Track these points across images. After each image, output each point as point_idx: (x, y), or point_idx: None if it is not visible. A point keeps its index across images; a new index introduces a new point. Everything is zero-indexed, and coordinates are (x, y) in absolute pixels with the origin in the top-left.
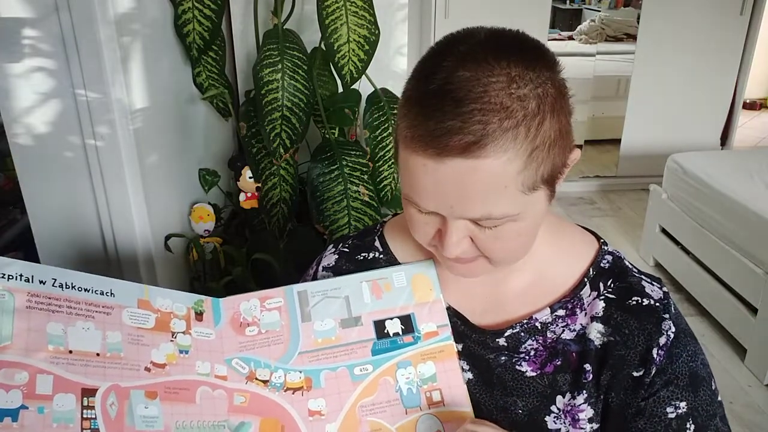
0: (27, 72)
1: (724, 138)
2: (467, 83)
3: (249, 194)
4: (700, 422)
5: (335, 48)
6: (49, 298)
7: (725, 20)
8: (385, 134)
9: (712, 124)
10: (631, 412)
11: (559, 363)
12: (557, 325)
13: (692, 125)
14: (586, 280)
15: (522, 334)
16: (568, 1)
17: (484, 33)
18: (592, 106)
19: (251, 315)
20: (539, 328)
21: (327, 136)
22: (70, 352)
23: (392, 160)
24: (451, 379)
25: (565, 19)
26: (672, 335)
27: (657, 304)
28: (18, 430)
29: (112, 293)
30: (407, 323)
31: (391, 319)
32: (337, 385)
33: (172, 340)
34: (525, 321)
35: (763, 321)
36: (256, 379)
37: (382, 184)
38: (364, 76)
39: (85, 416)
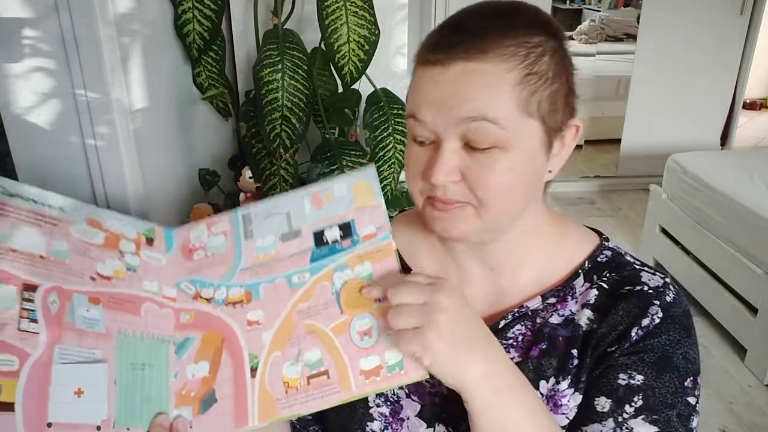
0: (27, 72)
1: (724, 138)
2: (485, 15)
3: (249, 194)
4: (651, 403)
5: (335, 48)
6: None
7: (725, 20)
8: (385, 134)
9: (712, 124)
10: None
11: (544, 347)
12: (547, 311)
13: (692, 125)
14: (580, 271)
15: (512, 322)
16: (568, 1)
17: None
18: (592, 106)
19: (199, 241)
20: (529, 314)
21: (327, 136)
22: (13, 250)
23: (392, 160)
24: (386, 275)
25: (565, 19)
26: (657, 320)
27: (650, 290)
28: None
29: (62, 209)
30: (346, 229)
31: (330, 227)
32: (276, 295)
33: (120, 258)
34: (516, 309)
35: (763, 321)
36: (201, 297)
37: (382, 184)
38: (364, 76)
39: (24, 307)
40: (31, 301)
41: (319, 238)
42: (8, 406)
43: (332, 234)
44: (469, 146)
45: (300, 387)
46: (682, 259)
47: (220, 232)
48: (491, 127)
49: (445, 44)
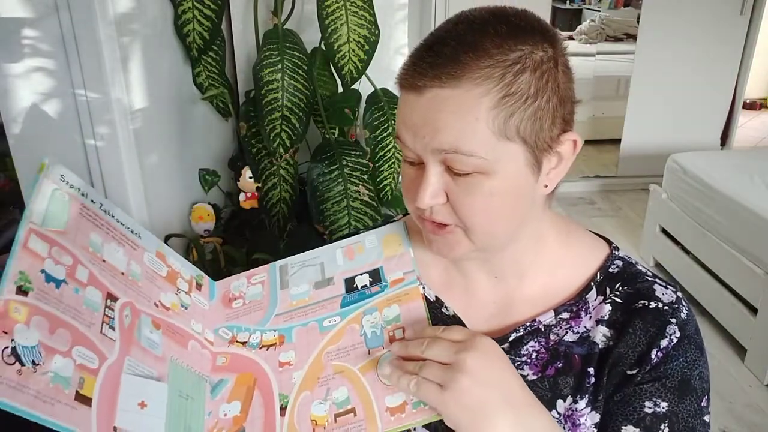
0: (27, 72)
1: (724, 138)
2: (460, 33)
3: (249, 194)
4: (676, 429)
5: (335, 48)
6: (95, 215)
7: (725, 20)
8: (385, 134)
9: (712, 124)
10: (613, 402)
11: (560, 366)
12: (560, 328)
13: (692, 125)
14: (592, 284)
15: (525, 337)
16: (568, 1)
17: (493, 10)
18: (592, 106)
19: (238, 291)
20: (542, 330)
21: (327, 136)
22: (104, 260)
23: (392, 160)
24: (414, 317)
25: (565, 19)
26: (675, 339)
27: (665, 307)
28: (58, 296)
29: (139, 236)
30: (375, 275)
31: (361, 274)
32: (307, 338)
33: (176, 293)
34: (528, 324)
35: (763, 321)
36: (236, 341)
37: (382, 184)
38: (364, 76)
39: (106, 314)
40: (111, 309)
41: (349, 284)
42: (87, 401)
43: (362, 280)
44: (451, 170)
45: (327, 425)
46: (682, 259)
47: (258, 282)
48: (467, 158)
49: (419, 68)
